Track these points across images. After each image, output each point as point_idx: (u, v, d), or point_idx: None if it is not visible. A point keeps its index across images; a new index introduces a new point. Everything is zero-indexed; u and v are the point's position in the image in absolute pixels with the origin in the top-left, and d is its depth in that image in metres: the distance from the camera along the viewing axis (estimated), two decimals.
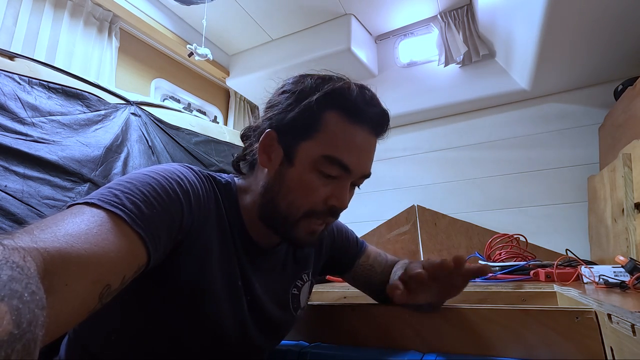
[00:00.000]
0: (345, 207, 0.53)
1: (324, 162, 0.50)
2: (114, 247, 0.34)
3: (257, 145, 0.54)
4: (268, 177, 0.53)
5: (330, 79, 0.53)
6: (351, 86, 0.51)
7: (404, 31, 2.27)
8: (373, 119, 0.52)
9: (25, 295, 0.21)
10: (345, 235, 0.75)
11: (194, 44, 1.93)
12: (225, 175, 0.59)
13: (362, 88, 0.52)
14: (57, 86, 1.07)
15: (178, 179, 0.46)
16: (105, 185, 0.41)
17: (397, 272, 0.69)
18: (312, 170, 0.50)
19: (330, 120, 0.50)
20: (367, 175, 0.55)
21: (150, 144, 1.28)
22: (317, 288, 1.15)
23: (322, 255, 0.71)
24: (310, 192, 0.51)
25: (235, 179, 0.59)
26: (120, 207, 0.38)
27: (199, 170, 0.53)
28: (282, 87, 0.56)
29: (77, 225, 0.33)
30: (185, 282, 0.47)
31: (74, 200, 0.39)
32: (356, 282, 0.75)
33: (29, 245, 0.27)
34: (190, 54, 1.94)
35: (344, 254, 0.73)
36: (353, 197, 0.57)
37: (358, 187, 0.57)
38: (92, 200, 0.38)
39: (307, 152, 0.50)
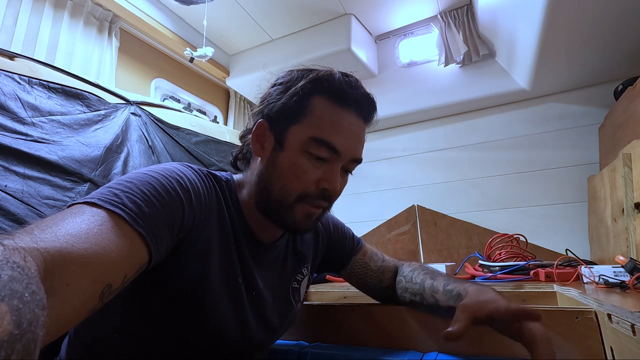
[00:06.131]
0: (336, 190, 0.54)
1: (312, 144, 0.51)
2: (114, 246, 0.34)
3: (250, 136, 0.56)
4: (262, 165, 0.55)
5: (315, 69, 0.55)
6: (334, 72, 0.54)
7: (404, 31, 2.27)
8: (358, 101, 0.54)
9: (26, 295, 0.21)
10: (342, 232, 0.76)
11: (188, 49, 1.92)
12: (224, 172, 0.59)
13: (346, 74, 0.55)
14: (57, 86, 1.06)
15: (178, 178, 0.47)
16: (105, 185, 0.41)
17: (424, 280, 0.65)
18: (302, 152, 0.52)
19: (317, 104, 0.53)
20: (358, 159, 0.56)
21: (150, 143, 1.28)
22: (317, 288, 1.15)
23: (319, 249, 0.71)
24: (301, 174, 0.52)
25: (233, 176, 0.60)
26: (121, 206, 0.38)
27: (199, 169, 0.53)
28: (274, 82, 0.58)
29: (78, 225, 0.33)
30: (186, 281, 0.47)
31: (74, 200, 0.39)
32: (352, 279, 0.75)
33: (29, 246, 0.27)
34: (191, 60, 1.94)
35: (340, 250, 0.74)
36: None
37: (350, 173, 0.58)
38: (93, 200, 0.38)
39: (296, 135, 0.52)
